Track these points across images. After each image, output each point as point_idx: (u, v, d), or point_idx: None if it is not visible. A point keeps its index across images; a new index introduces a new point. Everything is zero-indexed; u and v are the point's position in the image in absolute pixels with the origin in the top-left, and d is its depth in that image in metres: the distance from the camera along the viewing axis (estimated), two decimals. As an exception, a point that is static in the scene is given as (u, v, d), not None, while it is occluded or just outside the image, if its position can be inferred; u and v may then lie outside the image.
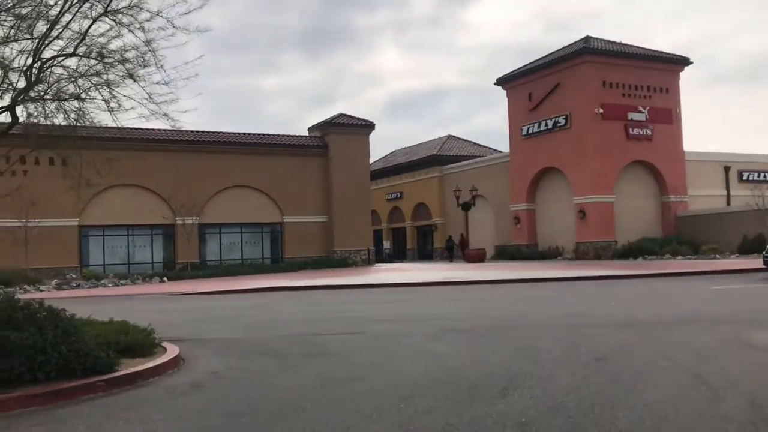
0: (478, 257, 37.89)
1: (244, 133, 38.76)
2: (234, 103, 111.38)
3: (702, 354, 8.03)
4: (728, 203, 39.41)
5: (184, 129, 36.36)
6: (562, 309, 13.59)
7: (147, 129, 35.61)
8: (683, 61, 39.26)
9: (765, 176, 41.01)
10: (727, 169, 40.46)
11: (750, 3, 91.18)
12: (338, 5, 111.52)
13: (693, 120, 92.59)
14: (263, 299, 18.83)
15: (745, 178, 40.97)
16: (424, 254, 51.80)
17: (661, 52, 39.27)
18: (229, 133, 38.31)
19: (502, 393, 6.32)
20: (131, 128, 34.79)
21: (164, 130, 36.35)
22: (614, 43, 39.35)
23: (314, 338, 10.29)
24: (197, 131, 37.33)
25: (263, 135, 39.17)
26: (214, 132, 37.86)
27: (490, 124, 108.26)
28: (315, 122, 41.61)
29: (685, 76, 39.71)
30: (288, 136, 39.98)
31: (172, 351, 8.55)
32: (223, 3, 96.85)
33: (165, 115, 8.89)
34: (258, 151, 37.76)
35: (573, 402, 5.91)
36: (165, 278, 29.58)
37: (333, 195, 39.08)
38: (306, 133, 41.82)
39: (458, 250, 43.90)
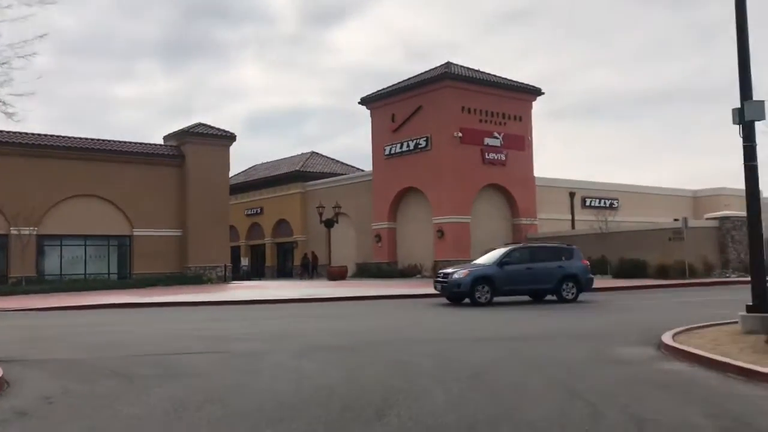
0: (340, 274, 37.58)
1: (90, 139, 35.97)
2: (85, 111, 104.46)
3: (572, 369, 8.02)
4: (573, 227, 41.93)
5: (21, 131, 32.83)
6: (423, 324, 13.45)
7: (-23, 128, 32.24)
8: (535, 92, 41.51)
9: (605, 203, 44.19)
10: (572, 194, 43.13)
11: (587, 45, 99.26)
12: (199, 17, 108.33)
13: (538, 150, 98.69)
14: (109, 317, 17.22)
15: (587, 203, 43.90)
16: (284, 272, 50.77)
17: (516, 82, 41.29)
18: (73, 138, 35.39)
19: (379, 413, 5.84)
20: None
21: (-2, 130, 33.05)
22: (474, 70, 40.88)
23: (168, 358, 9.30)
24: (37, 134, 34.30)
25: (112, 141, 36.57)
26: (56, 136, 34.85)
27: (351, 145, 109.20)
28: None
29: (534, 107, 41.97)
30: (140, 143, 37.63)
31: (-7, 374, 7.29)
32: (79, 4, 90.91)
33: (-5, 99, 7.65)
34: (106, 158, 35.17)
35: (453, 421, 5.55)
36: (-7, 294, 26.49)
37: (188, 208, 37.21)
38: (162, 142, 39.66)
39: (312, 269, 44.46)
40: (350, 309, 18.27)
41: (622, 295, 22.08)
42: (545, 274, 18.81)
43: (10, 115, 7.95)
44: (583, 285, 19.21)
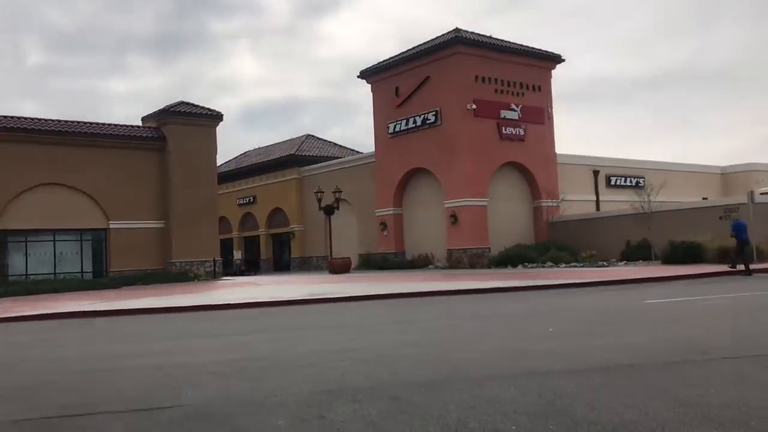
0: (343, 267, 33.52)
1: (56, 120, 31.88)
2: (76, 106, 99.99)
3: None
4: (597, 208, 38.02)
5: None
6: (489, 341, 9.35)
7: None
8: (555, 58, 37.46)
9: (631, 181, 40.21)
10: (596, 173, 39.21)
11: (584, 29, 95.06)
12: (191, 10, 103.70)
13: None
14: (51, 332, 13.23)
15: (612, 182, 40.01)
16: (281, 265, 46.82)
17: (534, 48, 37.19)
18: (36, 119, 31.30)
19: None
20: None
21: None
22: (486, 36, 36.77)
23: (78, 424, 5.27)
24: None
25: (82, 123, 32.51)
26: (15, 117, 30.73)
27: (347, 136, 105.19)
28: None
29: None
30: (114, 125, 33.55)
31: None
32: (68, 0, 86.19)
33: None
34: (76, 142, 31.17)
35: None
36: (-67, 301, 22.37)
37: (172, 197, 33.19)
38: (140, 124, 35.52)
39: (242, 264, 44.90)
40: (366, 312, 14.28)
41: (686, 286, 18.06)
42: None
43: None
44: None
